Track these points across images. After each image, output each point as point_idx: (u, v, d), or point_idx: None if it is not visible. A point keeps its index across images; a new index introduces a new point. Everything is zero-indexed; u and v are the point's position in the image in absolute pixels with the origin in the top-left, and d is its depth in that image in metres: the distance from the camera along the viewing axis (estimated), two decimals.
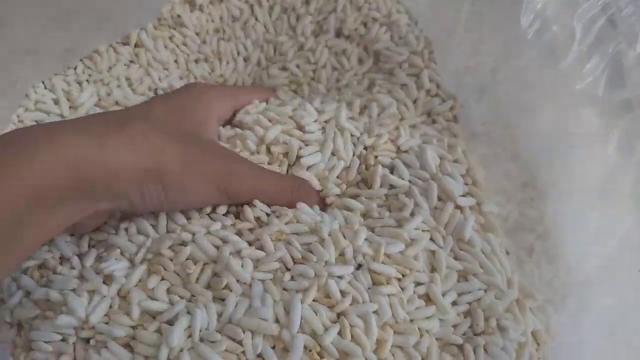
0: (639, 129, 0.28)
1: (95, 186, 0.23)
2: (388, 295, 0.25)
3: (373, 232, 0.29)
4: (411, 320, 0.26)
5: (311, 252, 0.26)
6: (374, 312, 0.25)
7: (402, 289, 0.26)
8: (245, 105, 0.34)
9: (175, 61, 0.40)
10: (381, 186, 0.31)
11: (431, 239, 0.29)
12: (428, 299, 0.27)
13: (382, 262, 0.26)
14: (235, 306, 0.24)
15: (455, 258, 0.29)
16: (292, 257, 0.26)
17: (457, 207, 0.30)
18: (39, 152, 0.21)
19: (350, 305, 0.25)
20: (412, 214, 0.29)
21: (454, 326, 0.27)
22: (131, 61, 0.39)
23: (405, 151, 0.32)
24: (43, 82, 0.36)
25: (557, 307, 0.31)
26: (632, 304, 0.29)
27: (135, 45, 0.39)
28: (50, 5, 0.33)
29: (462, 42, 0.36)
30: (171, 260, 0.26)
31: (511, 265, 0.31)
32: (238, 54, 0.41)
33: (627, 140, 0.28)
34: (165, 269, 0.26)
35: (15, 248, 0.22)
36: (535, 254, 0.33)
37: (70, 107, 0.35)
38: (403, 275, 0.27)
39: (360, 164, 0.32)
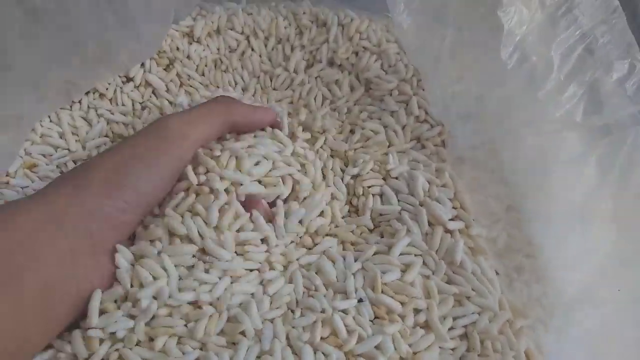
0: (616, 152, 0.29)
1: None
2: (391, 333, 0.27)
3: (367, 260, 0.30)
4: (414, 353, 0.27)
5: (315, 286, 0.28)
6: (378, 348, 0.26)
7: (403, 317, 0.28)
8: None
9: (177, 92, 0.41)
10: (372, 214, 0.32)
11: (424, 264, 0.30)
12: (427, 325, 0.28)
13: (382, 292, 0.28)
14: (247, 351, 0.25)
15: (449, 282, 0.30)
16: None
17: (447, 231, 0.32)
18: None
19: (357, 343, 0.26)
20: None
21: (452, 349, 0.28)
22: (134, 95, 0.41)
23: (395, 177, 0.34)
24: (49, 116, 0.38)
25: (547, 326, 0.32)
26: (614, 325, 0.30)
27: (139, 82, 0.41)
28: (51, 37, 0.34)
29: (448, 70, 0.37)
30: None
31: (501, 286, 0.32)
32: (236, 84, 0.43)
33: (606, 162, 0.30)
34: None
35: None
36: (525, 273, 0.34)
37: (76, 141, 0.37)
38: (402, 304, 0.28)
39: (348, 194, 0.33)
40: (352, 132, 0.37)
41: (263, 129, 0.34)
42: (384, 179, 0.34)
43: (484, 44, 0.33)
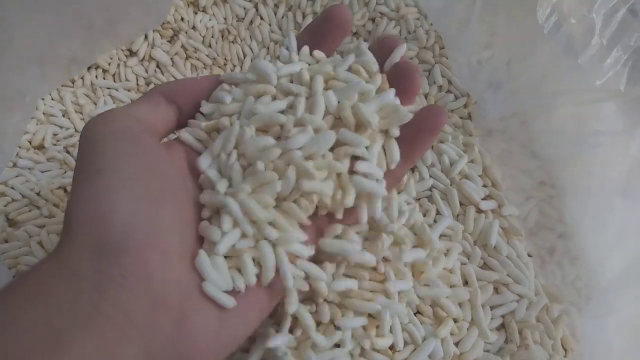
0: None
1: None
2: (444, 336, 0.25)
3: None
4: (460, 354, 0.25)
5: None
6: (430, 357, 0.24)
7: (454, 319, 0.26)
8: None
9: (183, 66, 0.39)
10: None
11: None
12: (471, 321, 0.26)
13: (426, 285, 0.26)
14: None
15: (484, 268, 0.28)
16: None
17: (479, 211, 0.30)
18: None
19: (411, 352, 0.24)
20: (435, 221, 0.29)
21: (491, 343, 0.27)
22: (137, 70, 0.38)
23: None
24: (50, 94, 0.36)
25: (582, 309, 0.30)
26: None
27: (143, 57, 0.38)
28: (52, 13, 0.32)
29: (475, 36, 0.35)
30: None
31: (535, 269, 0.30)
32: (245, 55, 0.40)
33: None
34: None
35: None
36: (557, 254, 0.32)
37: (81, 119, 0.35)
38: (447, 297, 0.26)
39: None
40: None
41: None
42: None
43: (517, 5, 0.31)
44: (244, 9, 0.41)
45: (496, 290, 0.28)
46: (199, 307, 0.18)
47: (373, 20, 0.39)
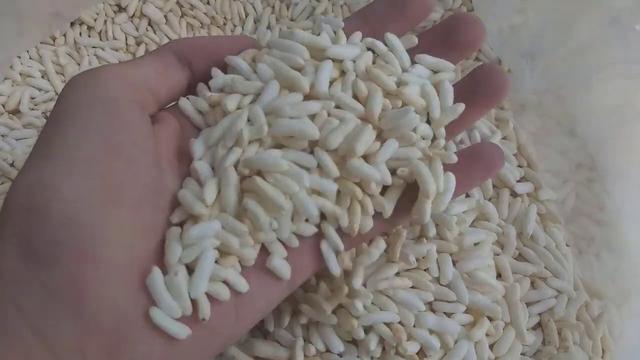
0: None
1: None
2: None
3: None
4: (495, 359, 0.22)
5: None
6: None
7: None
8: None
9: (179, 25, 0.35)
10: None
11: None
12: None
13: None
14: None
15: (518, 258, 0.25)
16: None
17: (513, 194, 0.27)
18: None
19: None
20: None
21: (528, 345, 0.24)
22: (128, 28, 0.34)
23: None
24: (28, 51, 0.32)
25: (620, 306, 0.27)
26: None
27: (133, 13, 0.34)
28: None
29: None
30: None
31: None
32: (247, 14, 0.36)
33: None
34: None
35: None
36: (595, 244, 0.29)
37: (62, 82, 0.31)
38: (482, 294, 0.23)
39: None
40: None
41: None
42: None
43: None
44: None
45: (532, 284, 0.25)
46: (142, 335, 0.14)
47: None
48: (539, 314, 0.24)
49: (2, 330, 0.13)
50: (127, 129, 0.16)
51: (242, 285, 0.16)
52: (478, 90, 0.18)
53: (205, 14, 0.35)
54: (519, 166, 0.28)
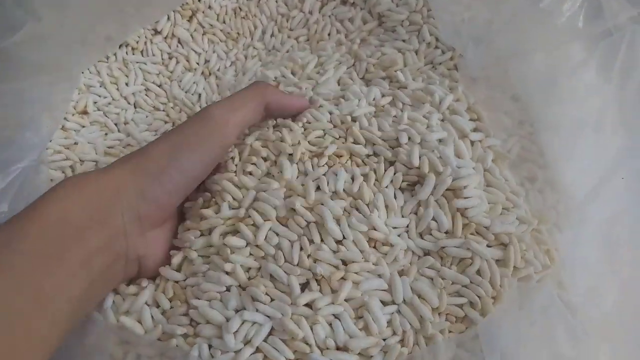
0: (615, 54, 0.30)
1: None
2: None
3: None
4: None
5: None
6: None
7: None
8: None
9: (202, 41, 0.44)
10: None
11: None
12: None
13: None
14: None
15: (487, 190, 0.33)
16: None
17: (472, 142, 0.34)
18: None
19: None
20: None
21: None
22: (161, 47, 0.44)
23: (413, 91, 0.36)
24: (89, 68, 0.41)
25: (562, 228, 0.34)
26: (624, 213, 0.32)
27: (166, 35, 0.44)
28: (92, 1, 0.37)
29: None
30: None
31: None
32: (255, 28, 0.45)
33: (607, 65, 0.31)
34: None
35: None
36: (538, 182, 0.36)
37: (116, 89, 0.41)
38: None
39: None
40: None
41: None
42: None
43: None
44: None
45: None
46: None
47: None
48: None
49: None
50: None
51: None
52: None
53: (221, 31, 0.45)
54: (472, 120, 0.35)
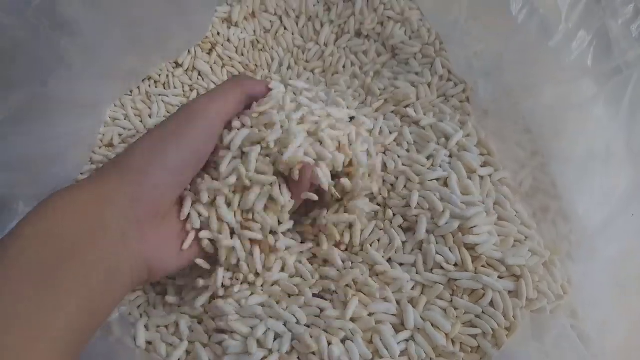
0: (624, 90, 0.31)
1: None
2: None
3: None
4: None
5: None
6: None
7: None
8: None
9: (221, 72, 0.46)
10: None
11: None
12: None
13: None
14: None
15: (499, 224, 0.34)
16: None
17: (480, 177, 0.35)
18: None
19: None
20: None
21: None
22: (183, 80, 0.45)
23: (423, 128, 0.37)
24: (114, 103, 0.43)
25: (575, 259, 0.35)
26: (634, 249, 0.33)
27: (187, 67, 0.45)
28: (116, 37, 0.39)
29: (470, 31, 0.40)
30: None
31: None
32: (272, 60, 0.47)
33: (616, 101, 0.32)
34: None
35: None
36: (551, 213, 0.37)
37: (140, 122, 0.42)
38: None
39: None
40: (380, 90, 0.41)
41: None
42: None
43: (497, 2, 0.36)
44: (270, 22, 0.48)
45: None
46: None
47: (382, 23, 0.45)
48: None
49: None
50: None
51: None
52: None
53: (240, 63, 0.46)
54: (481, 155, 0.36)
